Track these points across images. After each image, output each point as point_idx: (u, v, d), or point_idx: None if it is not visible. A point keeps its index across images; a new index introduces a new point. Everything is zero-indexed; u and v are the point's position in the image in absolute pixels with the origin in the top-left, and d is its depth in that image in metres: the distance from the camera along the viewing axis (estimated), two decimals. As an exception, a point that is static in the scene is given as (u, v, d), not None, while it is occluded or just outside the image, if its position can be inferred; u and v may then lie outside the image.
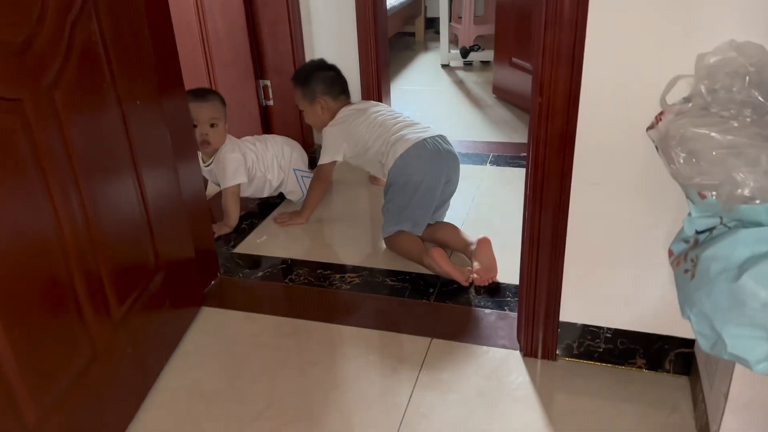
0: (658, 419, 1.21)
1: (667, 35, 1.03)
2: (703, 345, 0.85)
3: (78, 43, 1.07)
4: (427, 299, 1.63)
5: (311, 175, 2.13)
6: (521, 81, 3.06)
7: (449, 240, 1.82)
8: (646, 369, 1.32)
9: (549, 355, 1.37)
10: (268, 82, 2.49)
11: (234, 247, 1.94)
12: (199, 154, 1.93)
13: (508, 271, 1.67)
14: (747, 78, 0.86)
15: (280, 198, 2.26)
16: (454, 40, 4.32)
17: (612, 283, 1.26)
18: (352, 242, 1.96)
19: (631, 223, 1.19)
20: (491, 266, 1.68)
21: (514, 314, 1.50)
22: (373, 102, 2.13)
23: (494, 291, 1.65)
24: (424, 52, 4.63)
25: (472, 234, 1.79)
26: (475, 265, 1.68)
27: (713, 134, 0.84)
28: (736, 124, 0.84)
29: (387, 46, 2.75)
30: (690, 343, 1.26)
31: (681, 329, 1.25)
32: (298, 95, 2.08)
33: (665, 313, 1.23)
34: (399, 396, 1.30)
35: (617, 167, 1.15)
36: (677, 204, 1.12)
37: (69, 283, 1.05)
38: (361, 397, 1.31)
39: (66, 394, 1.05)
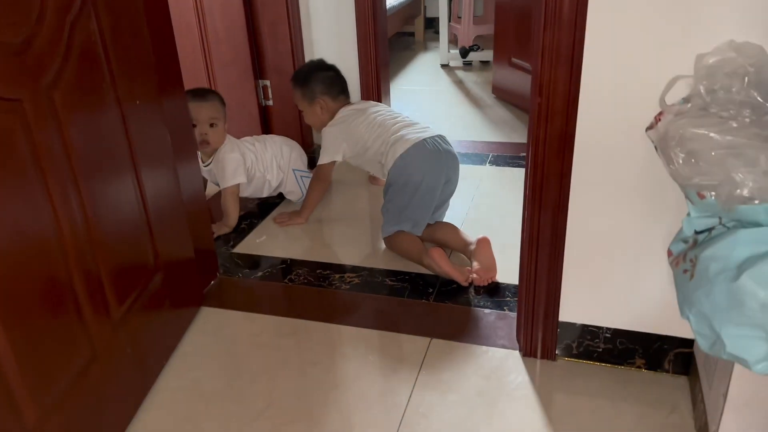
0: (658, 419, 1.21)
1: (667, 35, 1.03)
2: (702, 345, 0.86)
3: (77, 43, 1.07)
4: (426, 299, 1.63)
5: (310, 175, 2.13)
6: (521, 81, 3.06)
7: (449, 240, 1.82)
8: (645, 369, 1.32)
9: (548, 355, 1.37)
10: (268, 82, 2.49)
11: (233, 247, 1.94)
12: (198, 154, 1.93)
13: (508, 271, 1.67)
14: (746, 78, 0.87)
15: (280, 198, 2.26)
16: (453, 40, 4.32)
17: (611, 283, 1.26)
18: (351, 242, 1.96)
19: (631, 223, 1.19)
20: (491, 266, 1.68)
21: (514, 314, 1.50)
22: (372, 102, 2.13)
23: (494, 291, 1.65)
24: (423, 52, 4.63)
25: (471, 234, 1.79)
26: (475, 265, 1.68)
27: (712, 135, 0.84)
28: (735, 125, 0.84)
29: (386, 46, 2.75)
30: (689, 342, 1.26)
31: (680, 329, 1.25)
32: (297, 95, 2.08)
33: (664, 313, 1.23)
34: (398, 396, 1.30)
35: (616, 167, 1.15)
36: (676, 204, 1.12)
37: (68, 283, 1.05)
38: (361, 397, 1.31)
39: (65, 394, 1.05)
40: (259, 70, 2.47)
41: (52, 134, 1.00)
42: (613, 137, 1.13)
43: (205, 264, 1.70)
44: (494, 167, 2.47)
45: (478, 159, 2.54)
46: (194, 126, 1.90)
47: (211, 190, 2.18)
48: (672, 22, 1.02)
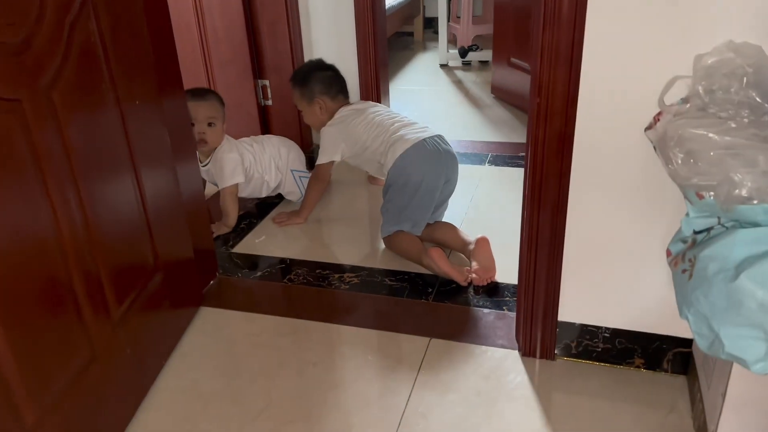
0: (656, 419, 1.21)
1: (666, 36, 1.03)
2: (701, 345, 0.86)
3: (77, 43, 1.07)
4: (425, 299, 1.63)
5: (309, 175, 2.13)
6: (520, 81, 3.06)
7: (448, 240, 1.82)
8: (644, 369, 1.32)
9: (547, 354, 1.37)
10: (267, 82, 2.49)
11: (233, 247, 1.94)
12: (196, 154, 1.93)
13: (507, 270, 1.67)
14: (744, 79, 0.87)
15: (279, 198, 2.26)
16: (452, 40, 4.32)
17: (610, 282, 1.26)
18: (350, 242, 1.96)
19: (630, 223, 1.19)
20: (490, 266, 1.68)
21: (513, 314, 1.50)
22: (371, 102, 2.14)
23: (493, 291, 1.65)
24: (422, 52, 4.63)
25: (470, 234, 1.79)
26: (474, 264, 1.69)
27: (711, 135, 0.84)
28: (733, 125, 0.85)
29: (386, 46, 2.75)
30: (688, 342, 1.26)
31: (679, 329, 1.25)
32: (296, 95, 2.08)
33: (663, 312, 1.23)
34: (398, 396, 1.30)
35: (615, 167, 1.15)
36: (675, 204, 1.12)
37: (68, 283, 1.05)
38: (360, 397, 1.31)
39: (64, 394, 1.05)
40: (258, 69, 2.47)
41: (51, 134, 1.00)
42: (612, 137, 1.13)
43: (204, 264, 1.70)
44: (493, 167, 2.47)
45: (477, 159, 2.55)
46: (192, 125, 1.90)
47: (210, 190, 2.18)
48: (671, 22, 1.02)
